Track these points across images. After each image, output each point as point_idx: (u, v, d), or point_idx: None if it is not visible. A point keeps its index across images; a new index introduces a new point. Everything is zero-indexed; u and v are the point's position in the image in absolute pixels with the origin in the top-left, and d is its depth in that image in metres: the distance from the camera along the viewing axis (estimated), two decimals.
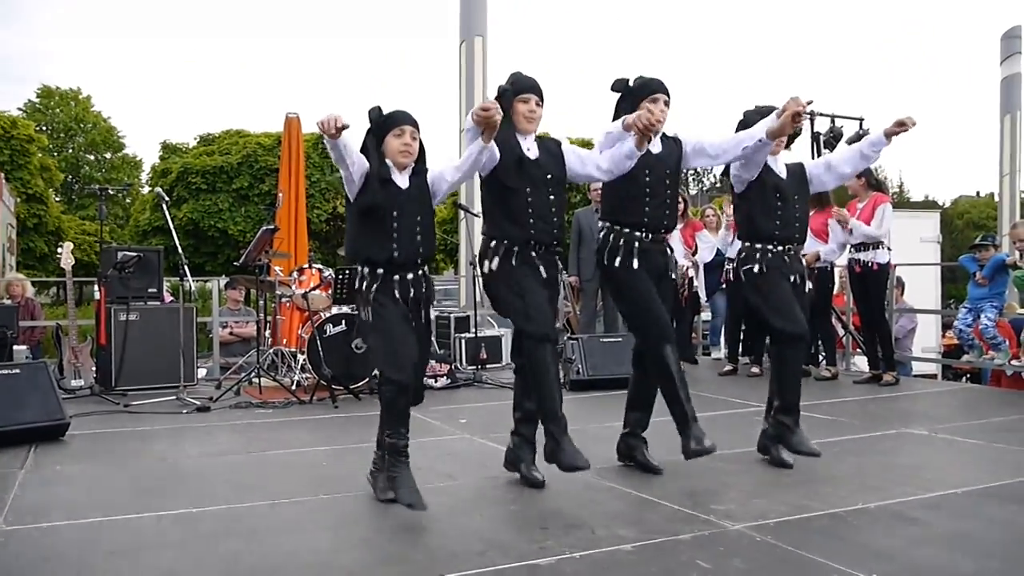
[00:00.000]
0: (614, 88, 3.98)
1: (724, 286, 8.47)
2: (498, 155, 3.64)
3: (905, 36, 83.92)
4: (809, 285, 4.39)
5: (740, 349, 8.26)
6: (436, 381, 7.25)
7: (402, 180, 3.47)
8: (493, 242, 3.71)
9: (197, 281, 7.46)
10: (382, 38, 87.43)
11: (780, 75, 75.79)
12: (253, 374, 7.02)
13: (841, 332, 8.47)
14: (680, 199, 8.02)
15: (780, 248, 4.14)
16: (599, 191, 4.68)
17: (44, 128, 36.57)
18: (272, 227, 7.08)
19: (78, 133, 39.78)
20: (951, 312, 8.33)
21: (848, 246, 7.20)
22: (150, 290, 7.34)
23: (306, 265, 7.35)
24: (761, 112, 4.05)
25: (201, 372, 7.96)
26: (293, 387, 6.61)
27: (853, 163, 4.26)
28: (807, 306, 4.25)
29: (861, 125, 9.87)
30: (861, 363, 8.07)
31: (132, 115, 70.92)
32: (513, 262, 3.66)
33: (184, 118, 67.99)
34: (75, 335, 6.95)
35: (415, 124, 3.49)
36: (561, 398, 3.60)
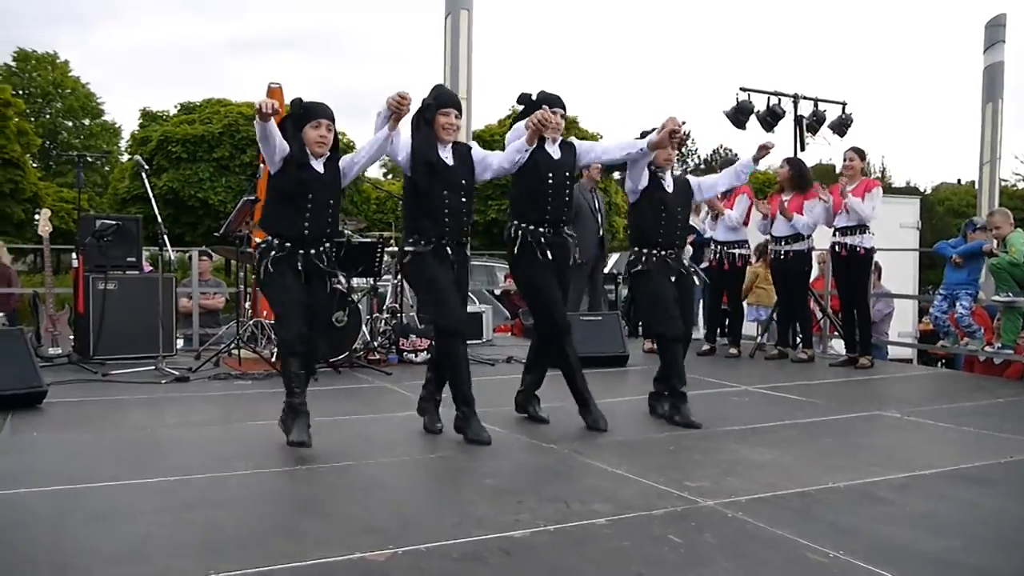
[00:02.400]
0: (519, 101, 4.60)
1: (704, 267, 8.51)
2: (403, 154, 4.16)
3: (889, 22, 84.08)
4: (697, 279, 4.98)
5: (719, 330, 8.33)
6: (416, 356, 7.28)
7: (318, 165, 4.00)
8: (411, 237, 4.23)
9: (177, 251, 7.43)
10: (367, 12, 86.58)
11: (766, 60, 75.79)
12: (233, 346, 7.02)
13: (819, 315, 8.55)
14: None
15: (663, 252, 4.78)
16: (598, 168, 5.06)
17: (21, 93, 35.97)
18: (253, 198, 7.05)
19: (56, 98, 39.21)
20: (928, 298, 8.43)
21: (833, 229, 7.28)
22: (129, 259, 7.30)
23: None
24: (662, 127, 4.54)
25: (180, 342, 7.95)
26: (272, 359, 6.62)
27: (728, 181, 5.20)
28: (694, 297, 4.84)
29: (844, 109, 9.93)
30: (838, 346, 8.17)
31: (111, 81, 69.94)
32: (429, 258, 4.17)
33: (165, 86, 67.22)
34: (52, 303, 6.92)
35: (331, 118, 4.03)
36: (470, 380, 4.22)
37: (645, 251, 4.81)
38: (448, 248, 4.22)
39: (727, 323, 8.52)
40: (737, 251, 7.85)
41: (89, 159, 8.74)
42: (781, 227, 7.54)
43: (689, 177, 5.16)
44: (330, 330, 6.75)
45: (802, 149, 9.76)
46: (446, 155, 4.26)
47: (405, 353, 7.30)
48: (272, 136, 3.84)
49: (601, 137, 28.89)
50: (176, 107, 30.20)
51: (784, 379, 6.57)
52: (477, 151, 4.47)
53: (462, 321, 4.19)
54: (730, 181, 5.21)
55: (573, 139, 4.74)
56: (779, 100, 9.65)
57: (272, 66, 68.71)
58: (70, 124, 40.04)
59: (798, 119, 9.73)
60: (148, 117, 30.17)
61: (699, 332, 9.16)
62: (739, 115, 9.58)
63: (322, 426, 4.58)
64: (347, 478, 3.53)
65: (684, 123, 4.49)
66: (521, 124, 4.45)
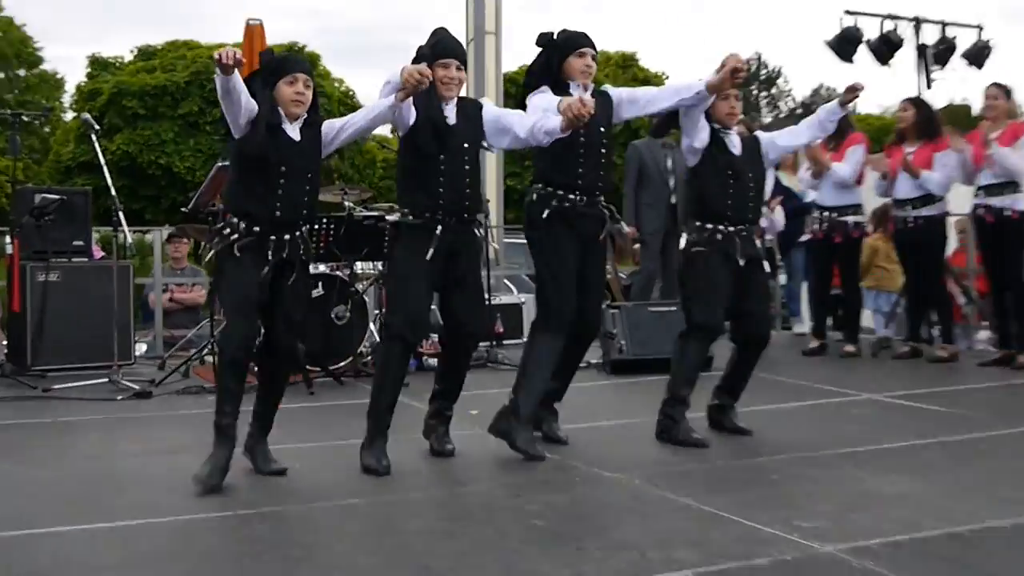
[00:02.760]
0: (538, 42, 4.67)
1: (806, 239, 8.38)
2: (413, 117, 4.21)
3: None
4: (767, 267, 5.12)
5: (829, 320, 8.21)
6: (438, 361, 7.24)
7: (293, 131, 4.02)
8: (401, 212, 4.36)
9: (135, 232, 7.47)
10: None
11: None
12: (205, 351, 7.03)
13: (962, 300, 8.41)
14: (746, 128, 7.93)
15: (732, 229, 4.80)
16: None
17: None
18: (228, 163, 7.05)
19: None
20: None
21: (974, 188, 7.13)
22: (75, 243, 7.35)
23: None
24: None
25: (140, 348, 7.99)
26: (255, 368, 6.61)
27: (810, 133, 5.17)
28: (764, 287, 5.03)
29: (980, 34, 9.72)
30: (988, 339, 8.04)
31: (52, 21, 70.90)
32: (412, 240, 4.28)
33: (118, 26, 68.07)
34: None
35: (309, 72, 4.09)
36: (395, 401, 4.32)
37: (710, 227, 4.82)
38: (440, 225, 4.27)
39: (840, 313, 8.39)
40: (851, 218, 7.71)
41: (24, 118, 8.86)
42: (905, 187, 7.41)
43: (759, 134, 5.19)
44: (328, 329, 6.74)
45: (928, 87, 9.60)
46: (447, 113, 4.33)
47: (425, 358, 7.27)
48: (236, 92, 3.82)
49: (667, 79, 28.73)
50: (132, 52, 30.56)
51: (919, 384, 6.46)
52: (491, 110, 4.53)
53: (417, 330, 4.36)
54: (813, 133, 5.20)
55: (608, 87, 4.80)
56: (895, 25, 9.50)
57: None
58: (1, 75, 40.66)
59: (921, 48, 9.56)
60: (98, 65, 30.56)
61: (804, 326, 9.07)
62: (845, 45, 9.45)
63: (320, 452, 4.57)
64: (354, 520, 3.49)
65: (749, 62, 4.44)
66: (550, 99, 4.45)
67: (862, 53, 9.53)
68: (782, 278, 9.82)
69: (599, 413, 5.41)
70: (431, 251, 4.24)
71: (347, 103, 26.42)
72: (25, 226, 7.03)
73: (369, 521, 3.49)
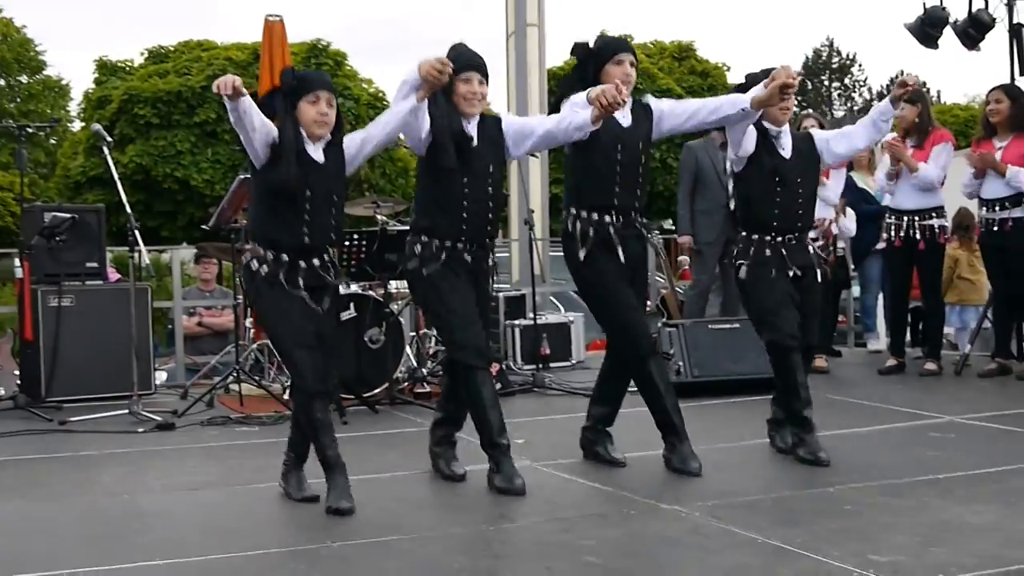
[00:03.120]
0: (574, 53, 4.85)
1: (882, 248, 8.36)
2: (426, 128, 4.37)
3: None
4: (820, 275, 5.16)
5: (908, 336, 8.17)
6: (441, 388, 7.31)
7: (317, 153, 4.19)
8: (422, 237, 4.53)
9: (151, 251, 7.61)
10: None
11: None
12: (231, 379, 7.16)
13: None
14: (817, 124, 7.94)
15: (779, 239, 4.92)
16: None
17: None
18: (250, 175, 7.17)
19: None
20: None
21: None
22: (89, 265, 7.49)
23: None
24: (766, 73, 4.69)
25: (160, 376, 8.12)
26: (285, 396, 6.74)
27: (867, 135, 5.13)
28: (816, 296, 5.13)
29: None
30: None
31: (56, 24, 72.01)
32: (441, 264, 4.47)
33: (127, 27, 68.97)
34: None
35: (332, 89, 4.22)
36: (501, 419, 4.51)
37: (756, 237, 4.96)
38: (466, 253, 4.52)
39: (921, 327, 8.34)
40: (935, 222, 7.64)
41: (30, 130, 8.99)
42: (994, 186, 7.37)
43: (815, 132, 5.28)
44: (361, 353, 6.85)
45: (1022, 73, 9.50)
46: (469, 132, 4.51)
47: None
48: (250, 116, 3.97)
49: (728, 70, 28.67)
50: (143, 55, 30.89)
51: (1007, 405, 6.44)
52: (511, 121, 4.73)
53: (482, 351, 4.52)
54: (869, 135, 5.20)
55: (650, 98, 4.94)
56: (986, 3, 9.40)
57: None
58: (1, 83, 41.22)
59: (1015, 29, 9.47)
60: (106, 70, 30.87)
61: (880, 342, 9.04)
62: (927, 28, 9.37)
63: (355, 485, 4.64)
64: (394, 559, 3.56)
65: (800, 75, 4.62)
66: (581, 95, 4.54)
67: (947, 36, 9.41)
68: (855, 290, 9.78)
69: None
70: (470, 274, 4.51)
71: (377, 106, 26.42)
72: (35, 247, 7.17)
73: (409, 559, 3.56)
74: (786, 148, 4.98)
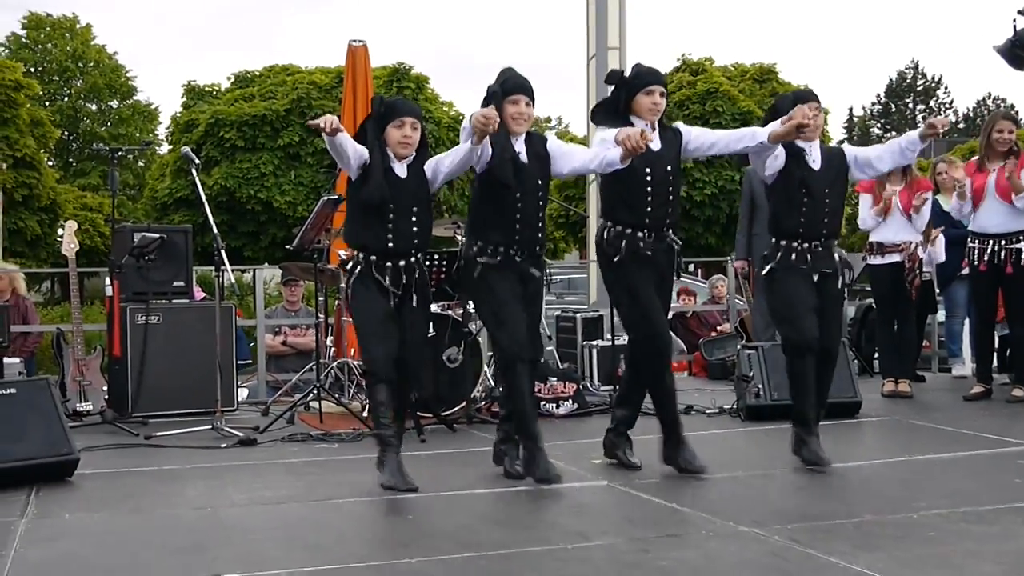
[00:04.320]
0: (608, 81, 5.25)
1: (966, 272, 8.21)
2: (490, 153, 4.83)
3: None
4: (840, 282, 5.41)
5: (994, 362, 8.02)
6: (558, 406, 7.33)
7: (401, 170, 4.87)
8: (475, 247, 4.99)
9: (235, 271, 7.74)
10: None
11: None
12: (311, 396, 7.25)
13: None
14: None
15: (806, 245, 5.27)
16: None
17: (33, 70, 38.23)
18: (335, 197, 7.28)
19: (76, 75, 41.38)
20: None
21: None
22: (176, 284, 7.65)
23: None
24: (796, 99, 5.18)
25: (243, 393, 8.25)
26: (364, 414, 6.81)
27: (892, 159, 5.53)
28: (837, 302, 5.42)
29: None
30: None
31: (145, 49, 73.76)
32: (495, 271, 4.94)
33: (213, 52, 70.33)
34: (81, 344, 7.33)
35: (417, 115, 4.91)
36: (535, 415, 5.06)
37: (783, 243, 5.32)
38: (517, 258, 4.98)
39: (1008, 353, 8.18)
40: (1022, 245, 7.50)
41: (122, 153, 9.21)
42: None
43: (846, 148, 5.64)
44: (439, 373, 6.90)
45: None
46: (519, 149, 4.98)
47: (544, 404, 7.35)
48: (344, 146, 4.72)
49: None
50: (229, 79, 31.48)
51: None
52: (555, 143, 5.19)
53: (524, 345, 4.92)
54: (894, 160, 5.56)
55: (680, 125, 5.33)
56: None
57: (352, 19, 70.90)
58: (93, 108, 42.16)
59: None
60: (193, 94, 31.52)
61: (965, 367, 8.87)
62: (1018, 50, 9.17)
63: (434, 503, 4.69)
64: (471, 573, 3.58)
65: (817, 114, 5.13)
66: (611, 132, 4.96)
67: None
68: (940, 314, 9.62)
69: (733, 462, 5.42)
70: (520, 279, 4.97)
71: (456, 128, 26.66)
72: (125, 267, 7.34)
73: (484, 571, 3.58)
74: (816, 161, 5.33)
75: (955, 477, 5.16)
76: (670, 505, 4.51)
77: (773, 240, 5.40)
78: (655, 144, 5.08)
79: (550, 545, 3.95)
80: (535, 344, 5.13)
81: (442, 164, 4.98)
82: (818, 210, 5.30)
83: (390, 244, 4.83)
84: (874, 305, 8.77)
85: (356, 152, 4.77)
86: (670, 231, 5.20)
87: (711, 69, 27.76)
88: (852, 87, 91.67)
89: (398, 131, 4.83)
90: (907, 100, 59.61)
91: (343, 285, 5.04)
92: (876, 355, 9.16)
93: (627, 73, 5.24)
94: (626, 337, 5.58)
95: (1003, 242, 7.50)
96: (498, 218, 4.97)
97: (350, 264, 4.96)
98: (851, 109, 58.56)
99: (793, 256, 5.28)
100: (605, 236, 5.17)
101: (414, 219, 4.89)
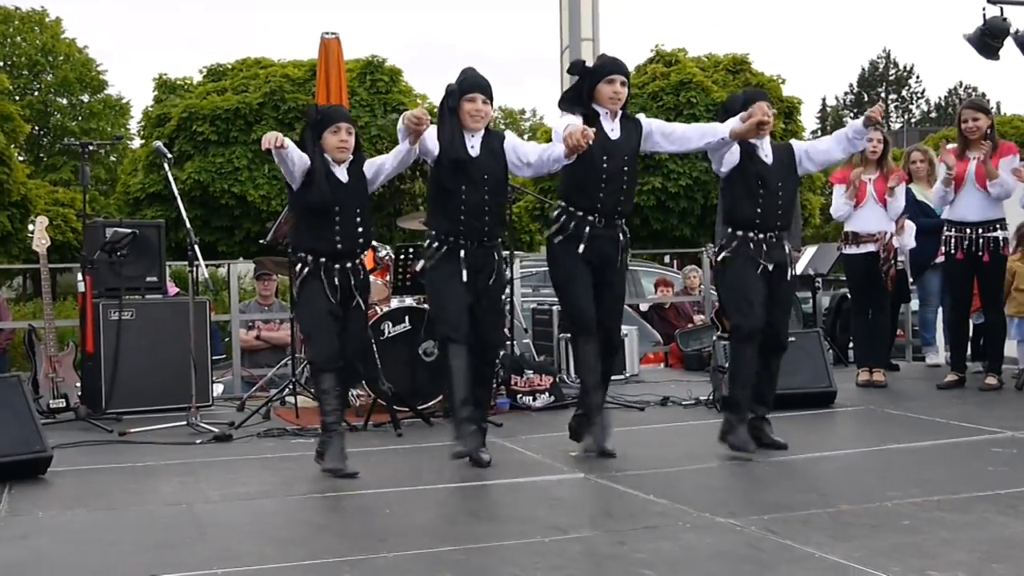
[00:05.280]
0: (571, 71, 5.42)
1: (940, 261, 8.25)
2: (436, 150, 5.13)
3: None
4: (791, 273, 5.65)
5: (968, 351, 8.06)
6: (535, 399, 7.33)
7: (341, 173, 5.10)
8: (429, 238, 5.27)
9: (209, 266, 7.71)
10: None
11: None
12: (287, 391, 7.23)
13: None
14: (880, 139, 7.87)
15: (760, 236, 5.42)
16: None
17: (2, 64, 37.99)
18: None
19: (45, 69, 41.15)
20: None
21: None
22: (149, 279, 7.63)
23: None
24: (747, 99, 5.47)
25: (218, 388, 8.21)
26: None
27: (843, 148, 5.74)
28: (787, 294, 5.62)
29: None
30: None
31: (115, 42, 73.28)
32: (442, 259, 5.17)
33: (185, 45, 69.92)
34: (53, 340, 7.28)
35: (350, 120, 5.16)
36: (468, 395, 5.13)
37: (739, 233, 5.46)
38: (462, 250, 5.16)
39: (982, 341, 8.23)
40: (999, 234, 7.54)
41: (92, 147, 9.10)
42: None
43: (794, 142, 5.81)
44: (416, 367, 6.89)
45: None
46: (473, 144, 5.20)
47: (520, 396, 7.36)
48: (290, 158, 4.93)
49: (783, 82, 28.50)
50: (201, 72, 31.30)
51: None
52: (511, 141, 5.35)
53: (457, 327, 5.12)
54: (844, 149, 5.78)
55: (641, 116, 5.54)
56: (1001, 9, 9.22)
57: (325, 11, 70.64)
58: (64, 102, 41.86)
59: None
60: (165, 88, 31.29)
61: (938, 356, 8.93)
62: (987, 39, 9.23)
63: (411, 497, 4.69)
64: (447, 570, 3.57)
65: (775, 113, 5.34)
66: (566, 120, 5.16)
67: (1008, 47, 9.24)
68: (914, 303, 9.68)
69: (709, 453, 5.43)
70: (464, 272, 5.12)
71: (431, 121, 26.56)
72: (97, 262, 7.31)
73: (462, 570, 3.57)
74: (768, 156, 5.50)
75: (929, 466, 5.19)
76: (647, 497, 4.52)
77: (728, 230, 5.54)
78: (614, 133, 5.32)
79: (527, 539, 3.94)
80: (495, 331, 5.40)
81: (384, 166, 5.22)
82: (772, 202, 5.46)
83: (338, 246, 5.05)
84: (848, 295, 8.81)
85: (301, 160, 4.98)
86: (621, 220, 5.41)
87: (684, 60, 27.75)
88: (825, 77, 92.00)
89: (335, 136, 5.06)
90: (879, 89, 59.85)
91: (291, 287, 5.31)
92: (851, 344, 9.20)
93: (590, 64, 5.43)
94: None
95: (980, 230, 7.53)
96: (444, 208, 5.21)
97: (297, 267, 5.13)
98: (824, 99, 58.79)
99: (750, 246, 5.41)
100: (554, 215, 5.39)
101: (359, 219, 5.13)
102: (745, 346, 5.40)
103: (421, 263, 5.39)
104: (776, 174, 5.50)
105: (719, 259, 5.62)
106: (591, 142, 4.97)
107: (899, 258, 8.22)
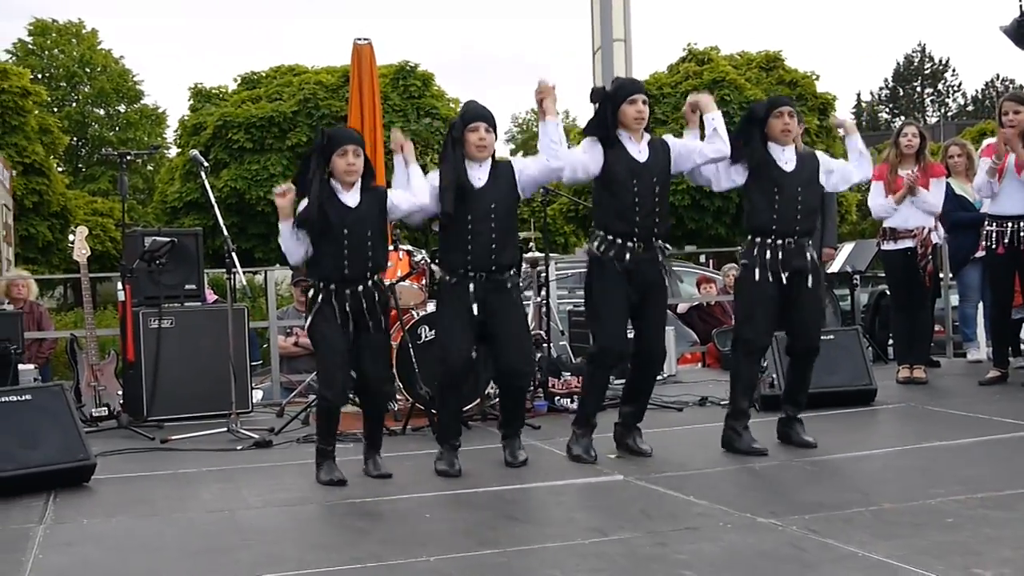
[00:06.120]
0: (592, 99, 5.43)
1: (979, 256, 8.16)
2: (434, 204, 5.24)
3: None
4: (811, 278, 5.56)
5: (1010, 346, 7.97)
6: (572, 401, 7.32)
7: (350, 198, 5.08)
8: (439, 274, 5.45)
9: (246, 272, 7.74)
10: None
11: None
12: None
13: None
14: (916, 133, 7.82)
15: (779, 242, 5.43)
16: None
17: (40, 76, 38.38)
18: None
19: (83, 80, 41.57)
20: None
21: None
22: (188, 287, 7.68)
23: (390, 247, 7.52)
24: (771, 105, 5.57)
25: (257, 395, 8.26)
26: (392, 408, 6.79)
27: (861, 172, 5.80)
28: (812, 297, 5.56)
29: None
30: None
31: (151, 53, 73.91)
32: (450, 292, 5.25)
33: (220, 53, 70.43)
34: (94, 350, 7.35)
35: (358, 142, 5.14)
36: (459, 428, 5.48)
37: (758, 240, 5.50)
38: (471, 284, 5.19)
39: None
40: None
41: (130, 157, 9.15)
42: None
43: (821, 156, 5.78)
44: None
45: None
46: (479, 175, 5.25)
47: (557, 399, 7.35)
48: (294, 231, 5.07)
49: (817, 79, 28.33)
50: (235, 81, 31.53)
51: None
52: (518, 164, 5.46)
53: (457, 369, 5.23)
54: (863, 171, 5.82)
55: (668, 138, 5.59)
56: None
57: (357, 17, 70.93)
58: (101, 112, 42.32)
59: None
60: (200, 97, 31.56)
61: (980, 352, 8.84)
62: None
63: (449, 501, 4.70)
64: (493, 573, 3.59)
65: (792, 119, 5.46)
66: (585, 144, 5.44)
67: None
68: (953, 299, 9.58)
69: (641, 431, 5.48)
70: (474, 306, 5.16)
71: None
72: (136, 271, 7.35)
73: (502, 573, 3.59)
74: (788, 163, 5.50)
75: (972, 463, 5.14)
76: (687, 498, 4.51)
77: (748, 237, 5.58)
78: (641, 155, 5.35)
79: (568, 541, 3.95)
80: (518, 360, 5.33)
81: (398, 208, 5.24)
82: (791, 208, 5.45)
83: (346, 271, 5.02)
84: (887, 291, 8.74)
85: (305, 211, 5.03)
86: (659, 241, 5.40)
87: (717, 58, 27.69)
88: (859, 72, 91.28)
89: (342, 159, 5.01)
90: (915, 84, 59.44)
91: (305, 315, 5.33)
92: (890, 341, 9.13)
93: (608, 88, 5.48)
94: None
95: (1021, 224, 7.43)
96: (454, 242, 5.23)
97: (311, 294, 5.15)
98: (859, 94, 58.47)
99: (767, 253, 5.43)
100: (595, 245, 5.38)
101: (369, 244, 5.08)
102: (750, 359, 5.54)
103: (439, 285, 5.47)
104: (796, 180, 5.49)
105: (741, 267, 5.65)
106: (550, 87, 5.26)
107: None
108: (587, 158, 5.36)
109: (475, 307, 5.18)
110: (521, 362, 5.37)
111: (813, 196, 5.62)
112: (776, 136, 5.49)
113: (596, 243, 5.39)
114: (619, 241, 5.31)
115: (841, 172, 5.75)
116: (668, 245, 5.54)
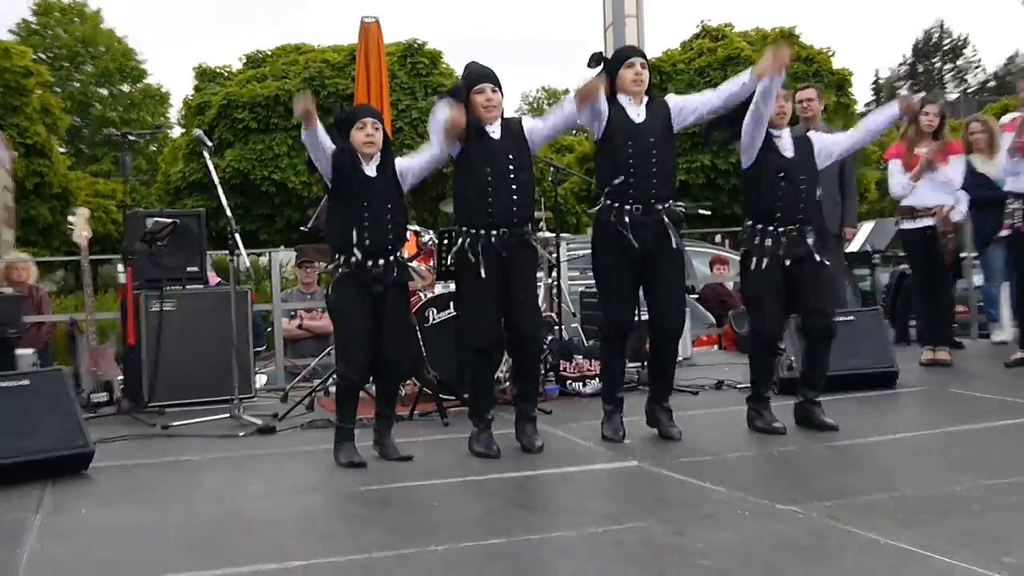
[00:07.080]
0: (590, 64, 5.44)
1: (1003, 235, 8.08)
2: (457, 149, 5.21)
3: None
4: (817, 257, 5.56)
5: None
6: (584, 385, 7.28)
7: (370, 170, 5.15)
8: (457, 230, 5.31)
9: (250, 255, 7.72)
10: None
11: None
12: (331, 381, 7.22)
13: None
14: (937, 112, 7.74)
15: (781, 229, 5.45)
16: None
17: (43, 56, 38.42)
18: None
19: (86, 60, 41.65)
20: None
21: None
22: (190, 269, 7.66)
23: None
24: None
25: (261, 380, 8.23)
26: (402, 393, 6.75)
27: (881, 123, 5.76)
28: (822, 280, 5.55)
29: None
30: None
31: (155, 32, 73.91)
32: (470, 257, 5.17)
33: (224, 33, 70.34)
34: (94, 333, 7.33)
35: (376, 116, 5.22)
36: (490, 399, 5.49)
37: (760, 227, 5.52)
38: (492, 239, 5.16)
39: None
40: None
41: (132, 137, 9.05)
42: None
43: (812, 135, 5.78)
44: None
45: None
46: (493, 130, 5.23)
47: (569, 383, 7.31)
48: (320, 140, 5.03)
49: (833, 55, 28.20)
50: (241, 60, 31.51)
51: None
52: (528, 121, 5.45)
53: (491, 341, 5.27)
54: (879, 126, 5.80)
55: (671, 96, 5.61)
56: None
57: None
58: (104, 92, 42.40)
59: None
60: (205, 76, 31.58)
61: (1005, 333, 8.78)
62: None
63: (459, 488, 4.66)
64: (498, 562, 3.55)
65: (785, 102, 5.50)
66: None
67: None
68: (977, 279, 9.52)
69: (766, 438, 5.37)
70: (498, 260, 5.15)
71: None
72: (138, 253, 7.33)
73: (514, 563, 3.54)
74: (788, 149, 5.53)
75: (999, 447, 5.10)
76: (703, 485, 4.46)
77: (748, 223, 5.60)
78: (639, 117, 5.36)
79: (581, 529, 3.91)
80: (532, 324, 5.34)
81: (411, 167, 5.31)
82: (795, 195, 5.46)
83: (367, 243, 5.06)
84: (908, 271, 8.67)
85: (328, 142, 5.09)
86: (660, 204, 5.34)
87: (731, 35, 27.60)
88: (877, 48, 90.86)
89: (361, 132, 5.10)
90: (934, 60, 59.19)
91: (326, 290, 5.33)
92: (911, 323, 9.06)
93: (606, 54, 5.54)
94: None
95: None
96: (472, 196, 5.21)
97: (331, 267, 5.19)
98: (877, 71, 58.21)
99: (767, 240, 5.46)
100: (596, 209, 5.45)
101: (389, 216, 5.14)
102: (764, 347, 5.63)
103: (451, 256, 5.38)
104: (798, 167, 5.51)
105: (741, 254, 5.69)
106: (598, 90, 5.17)
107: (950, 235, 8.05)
108: (601, 105, 5.34)
109: (488, 266, 5.16)
110: (535, 326, 5.41)
111: (814, 183, 5.62)
112: (771, 120, 5.47)
113: (596, 208, 5.45)
114: (616, 204, 5.32)
115: (848, 141, 5.85)
116: (682, 206, 5.49)
